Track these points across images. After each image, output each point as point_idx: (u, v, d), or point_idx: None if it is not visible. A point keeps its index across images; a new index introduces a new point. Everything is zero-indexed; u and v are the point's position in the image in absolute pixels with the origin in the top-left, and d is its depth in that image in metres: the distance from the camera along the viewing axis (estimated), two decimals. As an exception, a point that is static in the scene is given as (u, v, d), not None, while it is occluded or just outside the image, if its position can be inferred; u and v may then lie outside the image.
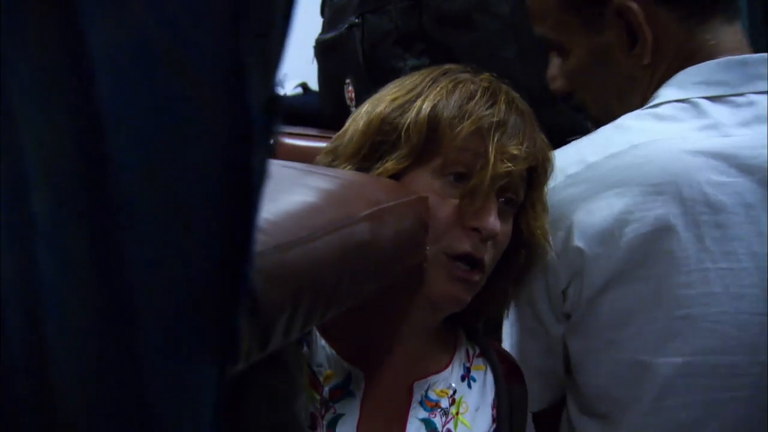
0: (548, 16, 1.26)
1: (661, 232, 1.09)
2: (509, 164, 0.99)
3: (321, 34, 1.81)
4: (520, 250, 1.09)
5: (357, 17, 1.59)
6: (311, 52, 1.83)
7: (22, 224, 0.42)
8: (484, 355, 1.14)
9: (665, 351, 1.10)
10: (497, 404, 1.08)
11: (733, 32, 1.23)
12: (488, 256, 1.00)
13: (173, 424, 0.49)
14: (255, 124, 0.46)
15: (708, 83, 1.18)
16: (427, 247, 0.98)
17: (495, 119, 1.01)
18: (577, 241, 1.09)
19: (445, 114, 1.01)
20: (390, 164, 1.02)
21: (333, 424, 1.01)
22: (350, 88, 1.65)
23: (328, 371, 1.04)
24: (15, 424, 0.44)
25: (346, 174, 1.02)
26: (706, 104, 1.17)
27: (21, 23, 0.40)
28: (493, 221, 0.98)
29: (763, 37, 1.82)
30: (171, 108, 0.44)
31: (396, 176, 1.02)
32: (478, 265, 1.00)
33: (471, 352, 1.13)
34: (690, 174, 1.11)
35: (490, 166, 0.98)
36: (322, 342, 1.05)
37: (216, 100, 0.45)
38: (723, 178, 1.11)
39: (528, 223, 1.06)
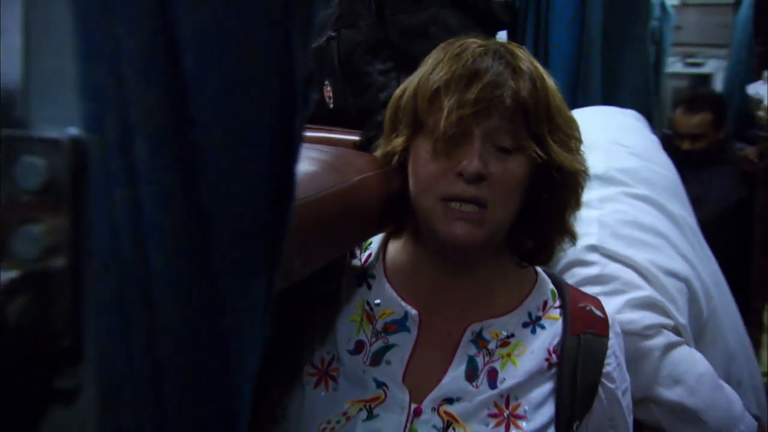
0: None
1: None
2: (464, 110, 0.91)
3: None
4: (554, 178, 0.98)
5: (334, 31, 1.62)
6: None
7: (128, 168, 0.45)
8: (563, 307, 1.04)
9: None
10: (560, 350, 0.99)
11: None
12: (487, 193, 0.92)
13: (237, 319, 0.52)
14: (298, 93, 0.49)
15: None
16: (431, 200, 0.94)
17: (452, 75, 0.94)
18: None
19: (421, 86, 0.97)
20: (399, 139, 1.00)
21: (383, 352, 0.97)
22: (329, 88, 1.67)
23: (387, 309, 1.00)
24: (127, 310, 0.47)
25: (337, 149, 1.04)
26: None
27: (128, 8, 0.43)
28: (469, 164, 0.90)
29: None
30: (237, 78, 0.47)
31: (407, 147, 0.99)
32: (476, 203, 0.92)
33: (550, 303, 1.04)
34: None
35: (443, 117, 0.91)
36: (386, 284, 1.02)
37: (271, 74, 0.48)
38: None
39: (549, 155, 0.95)
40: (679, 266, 1.21)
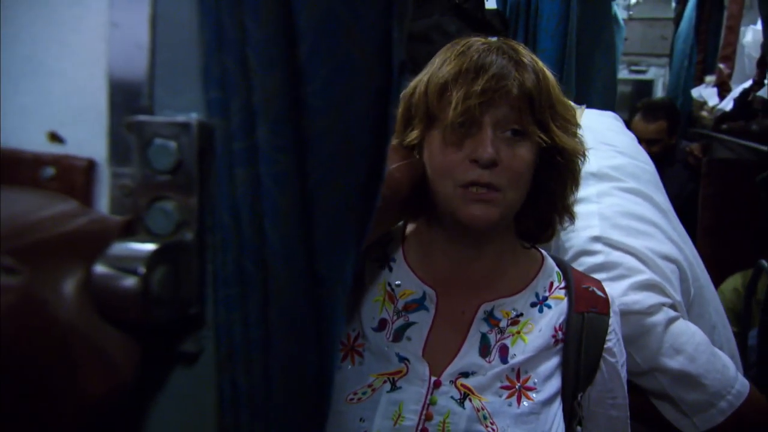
0: None
1: None
2: (472, 100, 0.89)
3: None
4: (557, 161, 0.96)
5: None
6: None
7: (251, 148, 0.44)
8: (567, 287, 1.02)
9: None
10: (565, 327, 0.98)
11: None
12: (500, 178, 0.91)
13: (332, 290, 0.51)
14: (394, 81, 0.49)
15: None
16: (450, 187, 0.92)
17: (459, 69, 0.92)
18: None
19: (431, 82, 0.95)
20: (414, 132, 0.98)
21: (404, 329, 0.96)
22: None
23: (407, 289, 0.98)
24: (245, 281, 0.46)
25: None
26: None
27: (256, 1, 0.42)
28: (484, 151, 0.89)
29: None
30: (346, 66, 0.46)
31: (421, 141, 0.97)
32: (490, 187, 0.90)
33: (556, 284, 1.02)
34: None
35: (451, 108, 0.89)
36: (406, 266, 1.00)
37: (374, 62, 0.47)
38: None
39: (552, 139, 0.93)
40: (671, 250, 1.22)
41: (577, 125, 0.99)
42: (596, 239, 1.19)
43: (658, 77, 6.72)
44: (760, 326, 1.95)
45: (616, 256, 1.16)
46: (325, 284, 0.51)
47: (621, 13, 4.83)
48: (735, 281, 2.51)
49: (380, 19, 0.46)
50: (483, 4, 1.70)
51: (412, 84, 0.99)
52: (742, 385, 1.16)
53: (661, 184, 1.42)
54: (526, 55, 0.96)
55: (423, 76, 0.98)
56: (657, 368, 1.14)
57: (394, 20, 0.47)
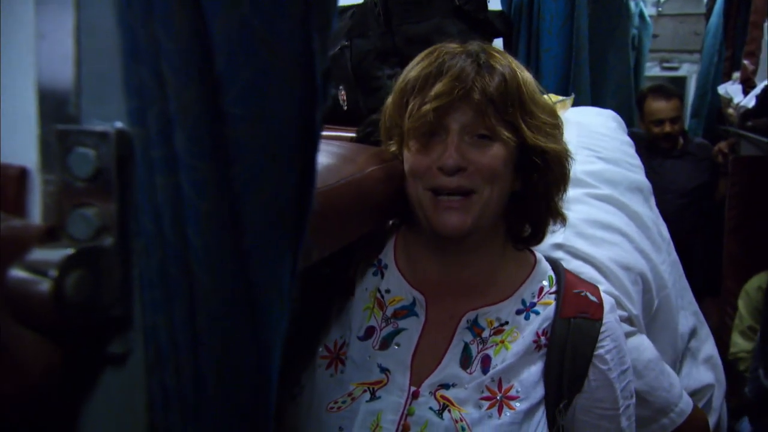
0: None
1: None
2: (427, 106, 0.88)
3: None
4: (535, 162, 0.95)
5: (347, 40, 1.62)
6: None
7: (170, 156, 0.45)
8: (557, 292, 0.99)
9: None
10: (549, 333, 0.95)
11: None
12: (470, 181, 0.90)
13: (266, 295, 0.52)
14: (318, 87, 0.49)
15: None
16: (420, 191, 0.92)
17: (418, 75, 0.92)
18: None
19: (396, 90, 0.95)
20: (393, 142, 0.99)
21: (392, 336, 0.95)
22: (342, 92, 1.67)
23: (397, 296, 0.98)
24: (169, 284, 0.47)
25: (351, 145, 1.04)
26: None
27: (167, 12, 0.43)
28: (447, 158, 0.88)
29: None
30: (265, 74, 0.46)
31: (401, 148, 0.97)
32: (461, 191, 0.90)
33: (546, 289, 1.00)
34: None
35: (407, 114, 0.90)
36: (396, 273, 1.00)
37: (294, 71, 0.48)
38: None
39: (524, 139, 0.92)
40: (635, 260, 1.21)
41: (557, 125, 0.97)
42: (559, 246, 1.18)
43: (691, 74, 6.56)
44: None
45: (576, 265, 1.15)
46: (260, 289, 0.52)
47: (650, 10, 4.76)
48: (760, 279, 2.48)
49: (297, 29, 0.47)
50: (485, 5, 1.69)
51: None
52: (685, 404, 1.17)
53: (645, 190, 1.40)
54: (501, 59, 0.94)
55: (397, 86, 0.98)
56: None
57: (314, 29, 0.47)
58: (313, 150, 0.52)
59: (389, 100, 0.98)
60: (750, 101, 2.65)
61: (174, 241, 0.46)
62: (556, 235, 1.17)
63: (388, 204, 1.00)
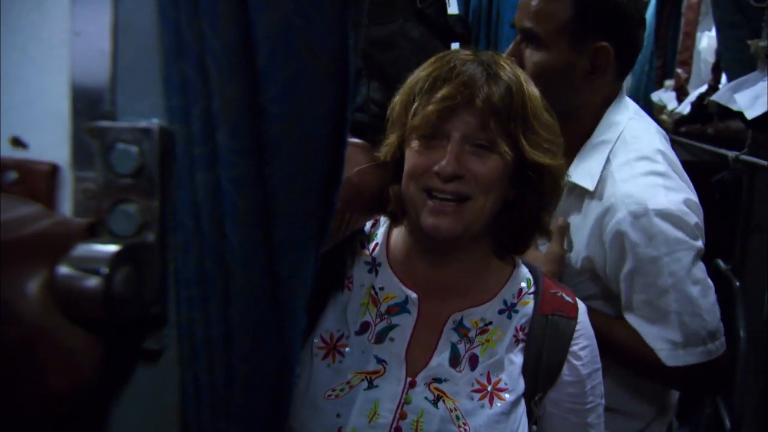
0: (549, 22, 1.29)
1: None
2: (432, 107, 0.89)
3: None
4: (528, 176, 0.96)
5: (310, 42, 1.62)
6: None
7: (211, 153, 0.46)
8: (536, 292, 1.02)
9: None
10: (528, 328, 0.99)
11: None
12: (466, 188, 0.91)
13: (293, 290, 0.53)
14: (351, 86, 0.51)
15: (630, 107, 1.36)
16: (415, 191, 0.93)
17: (428, 77, 0.93)
18: None
19: (404, 89, 0.96)
20: (394, 136, 0.98)
21: (386, 331, 0.97)
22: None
23: (390, 293, 1.00)
24: (207, 281, 0.48)
25: None
26: (637, 115, 1.36)
27: (214, 9, 0.44)
28: (446, 165, 0.90)
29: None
30: (303, 73, 0.47)
31: (401, 144, 0.98)
32: (455, 198, 0.92)
33: (525, 290, 1.03)
34: None
35: (411, 111, 0.92)
36: (389, 270, 1.01)
37: (330, 69, 0.49)
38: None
39: (521, 154, 0.93)
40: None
41: (557, 143, 0.99)
42: (659, 152, 1.26)
43: (625, 82, 6.83)
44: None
45: (674, 173, 1.25)
46: (285, 284, 0.53)
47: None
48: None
49: (335, 27, 0.48)
50: (445, 9, 1.72)
51: (401, 88, 0.99)
52: (722, 343, 1.22)
53: None
54: (509, 70, 0.96)
55: (407, 83, 0.98)
56: (678, 286, 1.19)
57: (349, 28, 0.49)
58: (341, 147, 0.53)
59: (397, 96, 0.99)
60: (685, 108, 2.79)
61: (212, 237, 0.47)
62: (655, 143, 1.29)
63: (376, 201, 1.02)
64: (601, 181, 1.27)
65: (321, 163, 0.52)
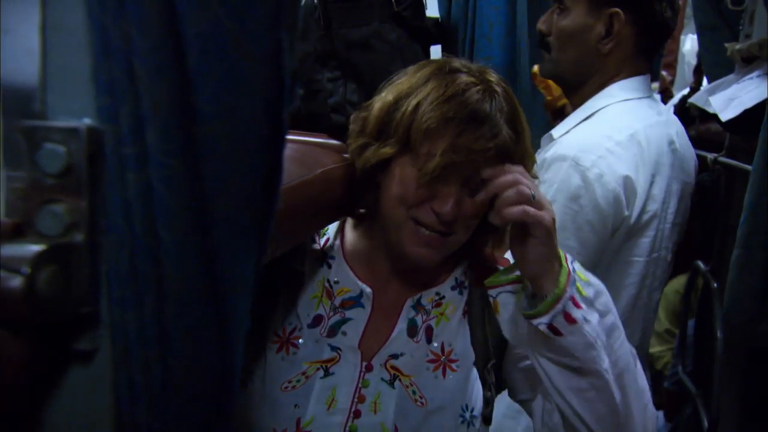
0: None
1: None
2: (457, 156, 0.87)
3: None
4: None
5: (286, 43, 1.62)
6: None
7: (141, 153, 0.46)
8: (473, 266, 1.05)
9: None
10: (467, 304, 1.02)
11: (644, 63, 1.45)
12: (457, 225, 0.93)
13: (232, 290, 0.53)
14: (286, 88, 0.51)
15: (642, 90, 1.44)
16: (403, 216, 0.93)
17: (453, 115, 0.89)
18: None
19: (420, 113, 0.90)
20: (385, 149, 0.94)
21: (338, 325, 0.99)
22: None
23: (344, 287, 1.01)
24: (139, 281, 0.47)
25: (298, 146, 1.03)
26: (648, 101, 1.44)
27: (140, 10, 0.44)
28: (447, 210, 0.90)
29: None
30: (235, 73, 0.47)
31: (390, 159, 0.94)
32: (443, 233, 0.93)
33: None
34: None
35: (435, 157, 0.88)
36: (345, 265, 1.02)
37: (264, 70, 0.49)
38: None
39: None
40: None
41: (534, 174, 0.99)
42: (631, 131, 1.35)
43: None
44: (696, 323, 2.02)
45: (631, 150, 1.34)
46: (226, 284, 0.53)
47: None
48: (678, 283, 2.55)
49: (269, 29, 0.48)
50: (423, 12, 1.72)
51: (392, 94, 0.96)
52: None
53: None
54: (520, 112, 0.95)
55: (411, 98, 0.94)
56: None
57: (283, 31, 0.49)
58: (279, 148, 0.53)
59: (401, 108, 0.94)
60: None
61: (144, 237, 0.47)
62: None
63: (339, 203, 1.02)
64: (566, 133, 1.39)
65: (258, 163, 0.51)
